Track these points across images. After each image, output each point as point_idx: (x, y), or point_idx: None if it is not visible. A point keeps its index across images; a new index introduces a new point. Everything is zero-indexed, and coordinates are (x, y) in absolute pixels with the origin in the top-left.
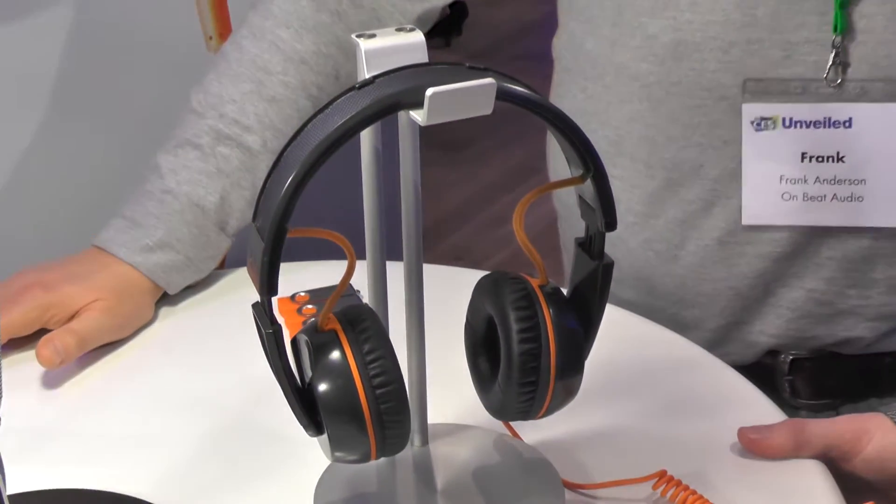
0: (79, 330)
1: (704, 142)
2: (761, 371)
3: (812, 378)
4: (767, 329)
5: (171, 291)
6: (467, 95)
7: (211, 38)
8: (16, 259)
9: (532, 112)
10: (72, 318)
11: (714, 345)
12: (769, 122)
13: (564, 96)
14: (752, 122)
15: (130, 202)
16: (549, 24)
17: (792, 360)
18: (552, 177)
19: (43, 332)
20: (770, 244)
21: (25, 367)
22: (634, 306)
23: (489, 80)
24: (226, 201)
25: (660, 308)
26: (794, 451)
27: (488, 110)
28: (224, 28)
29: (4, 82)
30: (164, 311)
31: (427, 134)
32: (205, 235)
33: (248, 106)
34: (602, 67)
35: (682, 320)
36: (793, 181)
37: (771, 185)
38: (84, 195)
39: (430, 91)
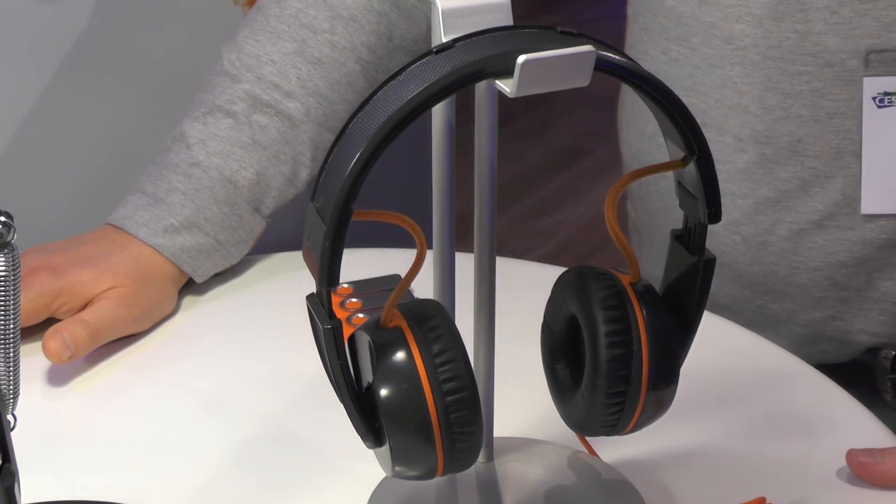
0: (92, 321)
1: (805, 113)
2: (858, 369)
3: None
4: (869, 327)
5: (197, 279)
6: (563, 64)
7: None
8: (19, 239)
9: (632, 85)
10: (84, 307)
11: (807, 342)
12: (894, 98)
13: (641, 59)
14: (875, 98)
15: (151, 175)
16: None
17: (895, 356)
18: (625, 153)
19: (50, 322)
20: (875, 230)
21: (30, 361)
22: (716, 297)
23: (588, 47)
24: (262, 177)
25: (745, 299)
26: None
27: (585, 81)
28: None
29: (16, 39)
30: (187, 301)
31: (460, 108)
32: (237, 215)
33: (289, 68)
34: (688, 27)
35: (771, 313)
36: None
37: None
38: (98, 166)
39: (521, 58)
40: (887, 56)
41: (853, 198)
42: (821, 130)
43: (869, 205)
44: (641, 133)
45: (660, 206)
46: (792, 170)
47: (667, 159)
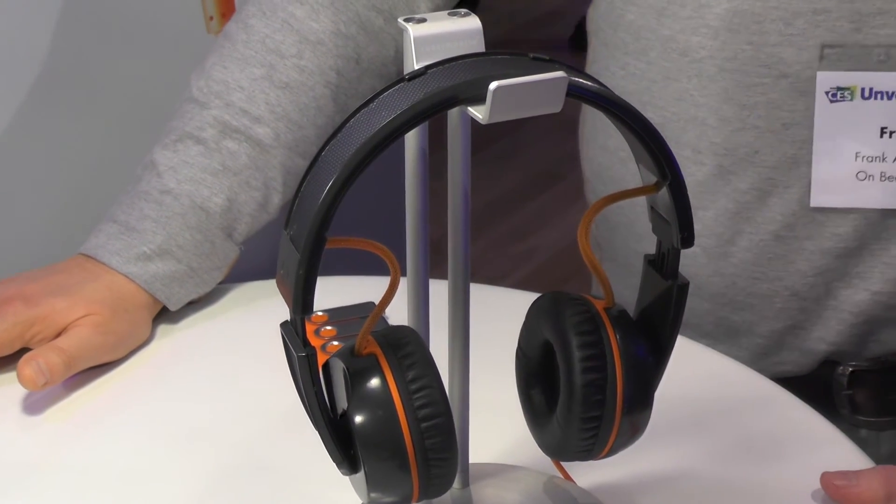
0: (66, 348)
1: (762, 125)
2: (816, 384)
3: (875, 392)
4: (828, 335)
5: (171, 307)
6: (535, 90)
7: (212, 18)
8: None
9: (604, 111)
10: (58, 335)
11: (767, 352)
12: (846, 93)
13: (601, 74)
14: (828, 93)
15: (123, 204)
16: (570, 13)
17: (852, 371)
18: (587, 168)
19: (25, 352)
20: (832, 238)
21: (4, 389)
22: None
23: (560, 73)
24: (233, 203)
25: (705, 311)
26: (886, 502)
27: (557, 107)
28: (227, 8)
29: None
30: (161, 328)
31: (437, 133)
32: (209, 242)
33: (257, 93)
34: (646, 41)
35: (732, 325)
36: (870, 159)
37: (845, 162)
38: (70, 195)
39: (493, 85)
40: (841, 52)
41: (809, 208)
42: (777, 141)
43: (818, 198)
44: (603, 148)
45: (622, 220)
46: (750, 181)
47: (628, 173)
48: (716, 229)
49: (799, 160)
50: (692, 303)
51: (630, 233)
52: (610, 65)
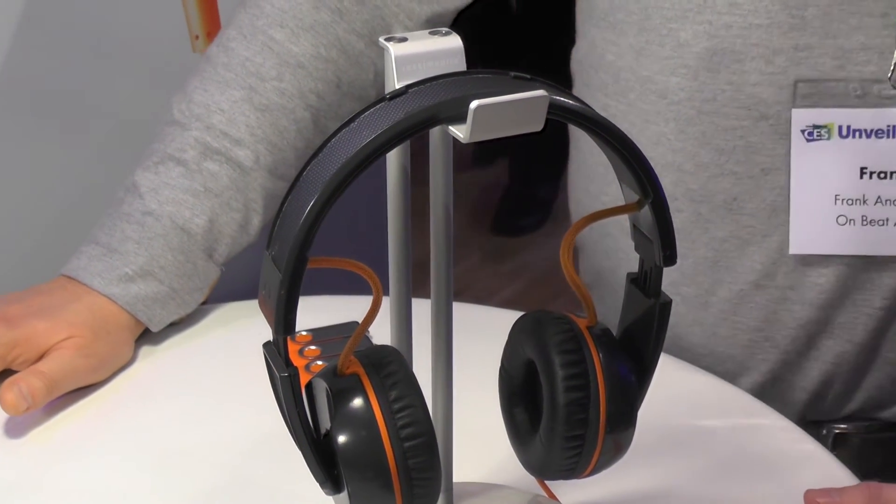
0: (48, 371)
1: (740, 170)
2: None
3: (857, 455)
4: (809, 385)
5: (153, 328)
6: (516, 109)
7: (198, 37)
8: None
9: (584, 129)
10: (40, 357)
11: None
12: (823, 131)
13: None
14: (804, 131)
15: (105, 226)
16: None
17: (836, 435)
18: (573, 209)
19: (7, 374)
20: (814, 289)
21: None
22: None
23: (540, 92)
24: (214, 224)
25: (687, 361)
26: None
27: (538, 126)
28: (212, 27)
29: None
30: (144, 350)
31: (423, 153)
32: (191, 263)
33: (238, 116)
34: (626, 82)
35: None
36: (850, 201)
37: (825, 206)
38: (53, 216)
39: (474, 104)
40: (815, 86)
41: (790, 256)
42: (755, 187)
43: (798, 245)
44: (586, 191)
45: (606, 265)
46: (728, 229)
47: (609, 222)
48: (695, 278)
49: (778, 207)
50: (672, 351)
51: (615, 277)
52: (592, 105)
